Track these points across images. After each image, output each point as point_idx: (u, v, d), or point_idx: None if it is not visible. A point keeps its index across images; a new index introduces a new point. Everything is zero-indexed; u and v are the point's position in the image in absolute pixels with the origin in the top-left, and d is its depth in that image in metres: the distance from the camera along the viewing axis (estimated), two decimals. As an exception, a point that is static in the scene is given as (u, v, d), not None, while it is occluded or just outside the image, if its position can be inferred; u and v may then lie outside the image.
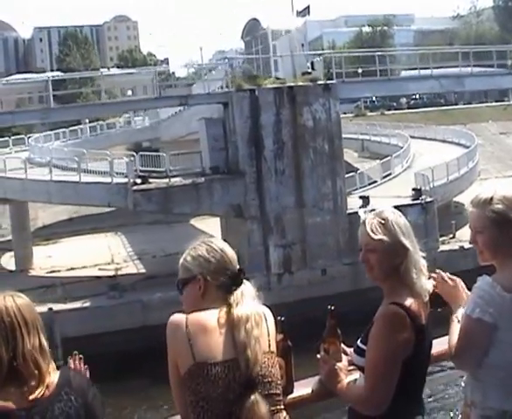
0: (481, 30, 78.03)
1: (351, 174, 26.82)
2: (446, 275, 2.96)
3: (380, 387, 2.56)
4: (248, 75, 23.02)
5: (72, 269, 24.91)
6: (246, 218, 21.17)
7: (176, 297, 2.71)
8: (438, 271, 2.96)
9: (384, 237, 2.65)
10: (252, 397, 2.43)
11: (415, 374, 2.66)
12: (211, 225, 27.23)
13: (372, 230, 2.67)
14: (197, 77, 32.08)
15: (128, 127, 43.80)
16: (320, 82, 22.14)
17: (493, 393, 2.71)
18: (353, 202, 22.58)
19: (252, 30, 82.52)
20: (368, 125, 44.20)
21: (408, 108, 54.83)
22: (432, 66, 25.87)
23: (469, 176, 27.83)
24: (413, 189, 23.27)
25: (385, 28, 71.95)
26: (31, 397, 2.21)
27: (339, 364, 2.74)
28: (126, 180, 21.51)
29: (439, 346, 2.89)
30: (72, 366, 2.64)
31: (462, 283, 2.98)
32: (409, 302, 2.61)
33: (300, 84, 21.97)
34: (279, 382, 2.56)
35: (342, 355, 2.80)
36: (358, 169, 29.85)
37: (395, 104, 56.06)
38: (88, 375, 2.60)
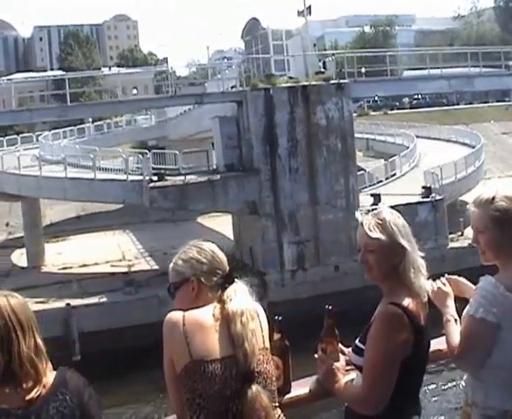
0: (482, 30, 78.25)
1: (360, 172, 27.04)
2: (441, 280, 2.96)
3: (378, 386, 2.56)
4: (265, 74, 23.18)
5: (84, 265, 25.00)
6: (261, 215, 21.28)
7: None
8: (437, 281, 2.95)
9: (382, 237, 2.65)
10: (254, 388, 2.42)
11: (413, 374, 2.66)
12: (221, 223, 27.40)
13: (370, 231, 2.68)
14: (201, 77, 32.15)
15: (134, 126, 43.93)
16: (333, 81, 22.32)
17: (495, 393, 2.70)
18: (364, 200, 22.83)
19: (252, 29, 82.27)
20: (372, 124, 44.47)
21: (411, 108, 55.04)
22: (441, 66, 26.12)
23: (476, 175, 28.10)
24: (423, 187, 23.40)
25: (388, 28, 72.25)
26: (27, 397, 2.19)
27: (336, 364, 2.75)
28: (141, 177, 21.66)
29: (437, 345, 2.89)
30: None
31: (462, 279, 3.01)
32: (407, 302, 2.61)
33: (314, 83, 22.12)
34: (273, 379, 2.55)
35: (340, 355, 2.82)
36: (363, 168, 30.02)
37: (398, 104, 56.25)
38: None
